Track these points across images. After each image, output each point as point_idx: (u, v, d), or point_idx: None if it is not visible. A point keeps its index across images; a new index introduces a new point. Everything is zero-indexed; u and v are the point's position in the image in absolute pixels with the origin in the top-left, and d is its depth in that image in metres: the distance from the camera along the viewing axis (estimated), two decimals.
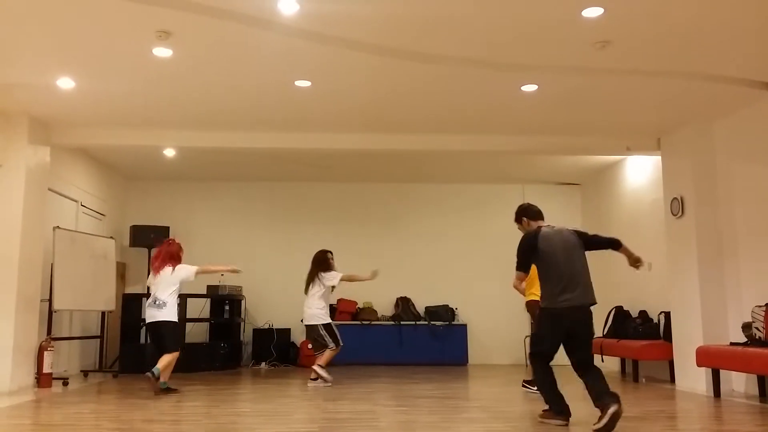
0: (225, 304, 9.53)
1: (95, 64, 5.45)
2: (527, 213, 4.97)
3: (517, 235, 4.96)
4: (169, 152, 8.55)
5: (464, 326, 9.91)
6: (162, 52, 5.17)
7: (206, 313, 9.62)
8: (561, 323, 4.49)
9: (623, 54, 5.20)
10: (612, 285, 9.13)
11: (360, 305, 10.12)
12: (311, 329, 7.21)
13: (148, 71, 5.61)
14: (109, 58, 5.32)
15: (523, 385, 6.68)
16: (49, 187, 7.43)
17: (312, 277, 7.30)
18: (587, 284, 4.55)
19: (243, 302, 9.88)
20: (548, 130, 7.37)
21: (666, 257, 7.45)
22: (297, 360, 9.70)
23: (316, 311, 7.18)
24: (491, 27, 4.72)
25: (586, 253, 4.68)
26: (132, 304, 8.84)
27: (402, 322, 9.87)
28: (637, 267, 4.76)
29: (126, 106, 6.56)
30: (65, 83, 5.89)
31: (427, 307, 10.10)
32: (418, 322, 9.89)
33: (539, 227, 4.78)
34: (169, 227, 9.97)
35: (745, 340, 6.03)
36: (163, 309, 6.31)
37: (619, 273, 8.94)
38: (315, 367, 7.05)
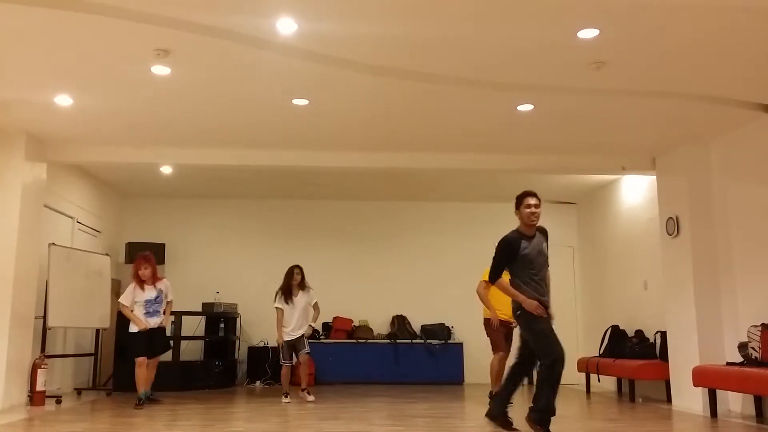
0: (220, 321, 9.48)
1: (93, 81, 5.47)
2: None
3: None
4: (166, 169, 8.55)
5: (460, 345, 9.88)
6: (160, 70, 5.19)
7: (201, 331, 9.58)
8: None
9: (619, 75, 5.25)
10: (608, 304, 9.13)
11: (356, 323, 10.09)
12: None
13: (146, 89, 5.64)
14: (108, 75, 5.34)
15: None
16: (45, 204, 7.42)
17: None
18: None
19: (238, 320, 9.84)
20: (544, 150, 7.41)
21: (662, 277, 7.46)
22: (292, 378, 9.62)
23: None
24: (487, 47, 4.76)
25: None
26: (126, 321, 8.74)
27: (398, 341, 9.85)
28: None
29: (123, 124, 6.58)
30: (63, 100, 5.91)
31: (423, 326, 10.07)
32: (414, 341, 9.86)
33: None
34: (164, 244, 9.96)
35: (741, 360, 6.03)
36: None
37: (616, 292, 8.94)
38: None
